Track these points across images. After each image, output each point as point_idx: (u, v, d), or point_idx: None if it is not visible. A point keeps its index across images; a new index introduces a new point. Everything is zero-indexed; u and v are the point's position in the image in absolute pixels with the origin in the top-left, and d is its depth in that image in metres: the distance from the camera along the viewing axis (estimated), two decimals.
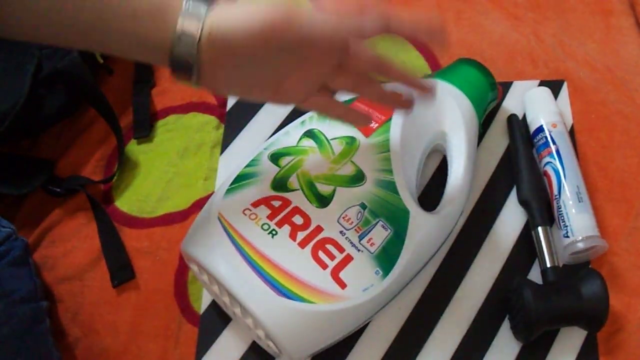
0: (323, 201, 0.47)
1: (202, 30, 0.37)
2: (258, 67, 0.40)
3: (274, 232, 0.46)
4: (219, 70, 0.39)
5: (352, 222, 0.47)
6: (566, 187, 0.55)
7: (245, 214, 0.47)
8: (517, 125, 0.61)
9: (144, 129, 0.64)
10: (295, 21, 0.38)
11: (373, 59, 0.42)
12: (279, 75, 0.41)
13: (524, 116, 0.62)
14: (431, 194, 0.57)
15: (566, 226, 0.54)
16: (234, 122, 0.64)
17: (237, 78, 0.40)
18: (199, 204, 0.60)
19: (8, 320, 0.48)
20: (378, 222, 0.47)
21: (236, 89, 0.42)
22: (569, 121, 0.62)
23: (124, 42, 0.38)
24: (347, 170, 0.50)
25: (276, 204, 0.48)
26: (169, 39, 0.38)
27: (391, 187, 0.49)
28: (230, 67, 0.39)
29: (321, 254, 0.46)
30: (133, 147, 0.64)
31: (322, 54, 0.40)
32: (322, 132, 0.52)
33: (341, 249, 0.46)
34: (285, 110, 0.63)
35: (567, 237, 0.54)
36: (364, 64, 0.42)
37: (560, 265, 0.54)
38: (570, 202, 0.54)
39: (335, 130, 0.52)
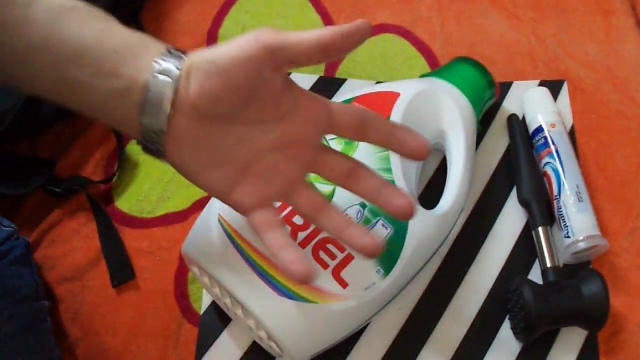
0: None
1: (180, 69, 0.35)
2: (234, 123, 0.37)
3: None
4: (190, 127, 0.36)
5: None
6: (566, 187, 0.55)
7: None
8: (517, 125, 0.61)
9: None
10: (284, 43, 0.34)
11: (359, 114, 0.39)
12: (254, 144, 0.38)
13: (524, 117, 0.62)
14: (431, 192, 0.57)
15: (567, 226, 0.54)
16: None
17: (206, 135, 0.36)
18: (199, 204, 0.60)
19: (10, 319, 0.48)
20: (378, 220, 0.47)
21: (202, 154, 0.37)
22: (569, 121, 0.62)
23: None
24: None
25: (276, 204, 0.47)
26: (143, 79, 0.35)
27: None
28: (203, 120, 0.36)
29: (322, 254, 0.45)
30: (133, 147, 0.63)
31: (307, 122, 0.38)
32: None
33: (342, 248, 0.46)
34: None
35: (568, 237, 0.54)
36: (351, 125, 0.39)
37: (561, 265, 0.54)
38: (571, 202, 0.54)
39: None
